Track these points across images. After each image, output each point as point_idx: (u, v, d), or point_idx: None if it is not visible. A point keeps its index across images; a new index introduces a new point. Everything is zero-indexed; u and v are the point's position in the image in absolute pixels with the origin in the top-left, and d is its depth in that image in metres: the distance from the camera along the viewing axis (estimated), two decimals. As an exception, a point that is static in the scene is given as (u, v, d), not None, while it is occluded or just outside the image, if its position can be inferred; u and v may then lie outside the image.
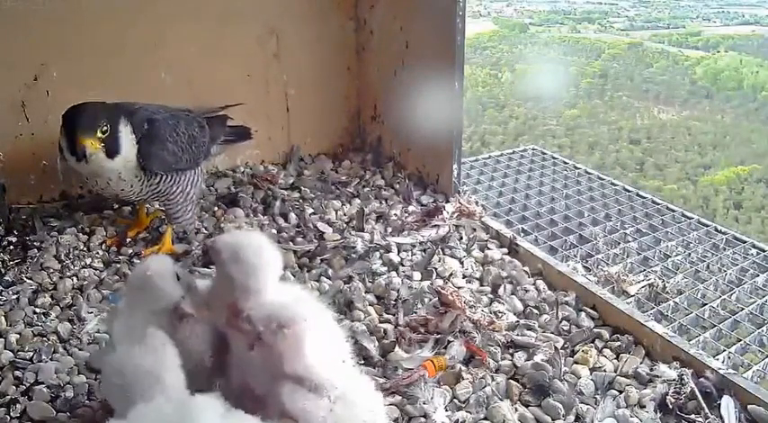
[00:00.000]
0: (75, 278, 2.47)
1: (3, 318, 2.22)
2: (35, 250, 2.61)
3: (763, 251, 3.22)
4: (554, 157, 4.56)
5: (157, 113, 2.57)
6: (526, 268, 2.60)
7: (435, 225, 2.83)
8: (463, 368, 2.00)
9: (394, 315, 2.26)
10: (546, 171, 4.26)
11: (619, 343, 2.15)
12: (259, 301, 1.63)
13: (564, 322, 2.26)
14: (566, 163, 4.43)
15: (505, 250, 2.75)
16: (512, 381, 1.97)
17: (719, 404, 1.84)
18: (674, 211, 3.67)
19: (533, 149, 4.71)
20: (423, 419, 1.80)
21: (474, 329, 2.14)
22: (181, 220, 2.70)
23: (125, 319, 1.66)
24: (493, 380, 1.96)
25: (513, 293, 2.45)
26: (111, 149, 2.34)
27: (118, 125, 2.37)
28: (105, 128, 2.31)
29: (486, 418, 1.83)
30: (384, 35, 3.42)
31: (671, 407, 1.84)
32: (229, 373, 1.61)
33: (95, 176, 2.44)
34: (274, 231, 2.82)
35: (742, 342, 2.49)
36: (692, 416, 1.82)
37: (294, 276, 2.49)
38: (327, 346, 1.53)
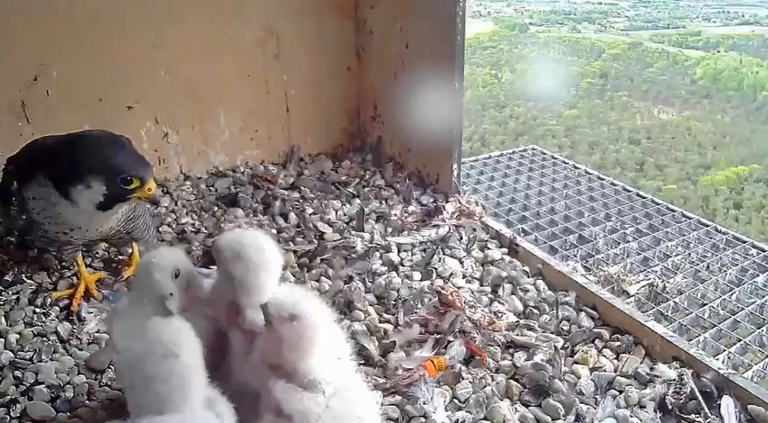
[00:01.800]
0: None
1: (3, 318, 2.23)
2: (35, 250, 2.61)
3: (763, 251, 3.21)
4: (554, 157, 4.56)
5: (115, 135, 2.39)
6: (526, 268, 2.59)
7: (435, 225, 2.83)
8: (463, 368, 2.00)
9: (394, 315, 2.26)
10: (546, 171, 4.26)
11: (619, 343, 2.15)
12: (261, 298, 1.64)
13: (564, 322, 2.26)
14: (566, 163, 4.43)
15: (505, 250, 2.75)
16: (512, 381, 1.97)
17: (719, 404, 1.84)
18: (674, 211, 3.67)
19: (533, 149, 4.70)
20: (423, 419, 1.80)
21: (474, 329, 2.15)
22: (147, 238, 2.54)
23: (129, 302, 1.71)
24: (493, 380, 1.96)
25: (513, 293, 2.45)
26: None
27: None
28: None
29: (486, 418, 1.83)
30: (384, 35, 3.42)
31: (671, 407, 1.84)
32: (229, 371, 1.61)
33: (104, 222, 2.21)
34: (274, 231, 2.82)
35: (742, 342, 2.49)
36: (692, 416, 1.82)
37: (294, 276, 2.49)
38: (328, 344, 1.53)
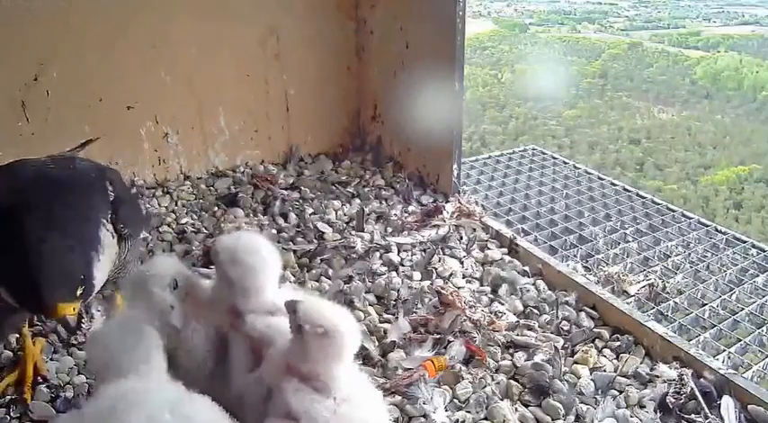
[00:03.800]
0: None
1: (3, 318, 2.22)
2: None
3: (763, 251, 3.22)
4: (554, 157, 4.56)
5: (107, 169, 1.91)
6: (526, 268, 2.59)
7: (435, 225, 2.83)
8: (463, 368, 2.00)
9: (394, 315, 2.26)
10: (546, 171, 4.26)
11: (619, 343, 2.15)
12: (260, 300, 1.63)
13: (564, 322, 2.26)
14: (566, 163, 4.43)
15: (505, 250, 2.74)
16: (512, 381, 1.96)
17: (719, 404, 1.84)
18: (674, 211, 3.67)
19: (533, 149, 4.71)
20: (423, 419, 1.80)
21: (474, 329, 2.14)
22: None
23: (124, 311, 1.68)
24: (493, 380, 1.96)
25: (513, 293, 2.44)
26: (89, 293, 1.53)
27: (91, 256, 1.54)
28: (82, 278, 1.49)
29: (486, 418, 1.83)
30: (384, 35, 3.42)
31: (671, 407, 1.84)
32: (228, 376, 1.60)
33: None
34: (274, 231, 2.82)
35: (742, 342, 2.49)
36: (692, 416, 1.82)
37: (294, 276, 2.49)
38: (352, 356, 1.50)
